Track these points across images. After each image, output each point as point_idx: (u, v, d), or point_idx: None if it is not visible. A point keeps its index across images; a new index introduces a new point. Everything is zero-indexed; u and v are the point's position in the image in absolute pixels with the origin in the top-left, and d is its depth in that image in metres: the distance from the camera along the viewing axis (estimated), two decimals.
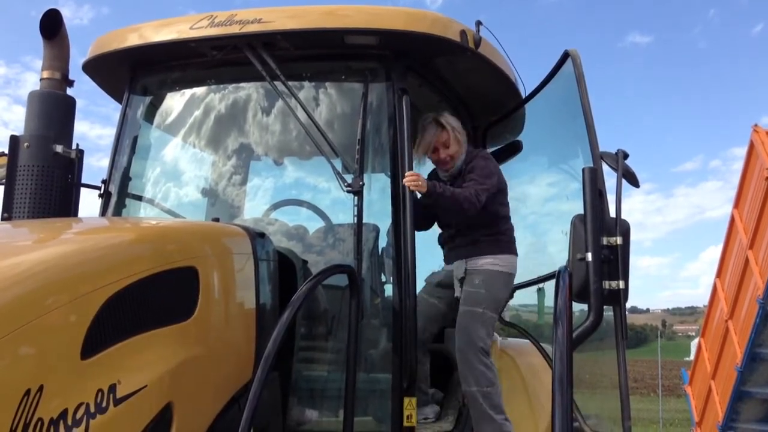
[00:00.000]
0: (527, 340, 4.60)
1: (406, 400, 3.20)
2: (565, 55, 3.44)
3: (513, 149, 4.71)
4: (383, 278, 3.64)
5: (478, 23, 3.64)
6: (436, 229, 4.18)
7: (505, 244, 3.88)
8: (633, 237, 2.93)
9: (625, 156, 3.04)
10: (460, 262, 3.81)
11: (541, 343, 4.40)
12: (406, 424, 3.19)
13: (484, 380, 3.55)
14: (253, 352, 2.77)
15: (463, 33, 3.52)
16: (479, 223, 3.78)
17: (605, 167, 3.05)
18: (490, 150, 4.88)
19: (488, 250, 3.78)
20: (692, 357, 13.69)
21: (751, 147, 9.12)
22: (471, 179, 3.69)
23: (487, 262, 3.75)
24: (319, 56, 3.65)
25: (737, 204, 9.75)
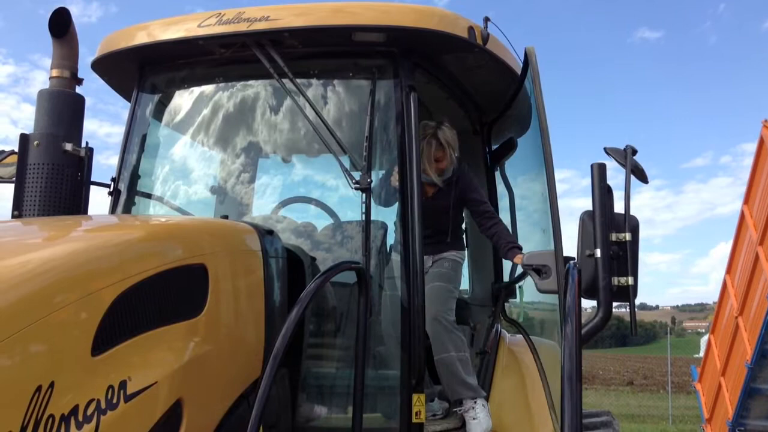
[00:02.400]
0: (537, 338, 4.60)
1: (415, 397, 3.21)
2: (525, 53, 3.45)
3: (508, 147, 4.72)
4: (391, 275, 3.65)
5: (486, 20, 3.63)
6: None
7: (463, 240, 4.37)
8: (642, 234, 2.92)
9: (634, 152, 3.02)
10: (426, 258, 3.93)
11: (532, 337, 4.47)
12: (414, 420, 3.19)
13: (462, 345, 3.79)
14: (262, 349, 2.78)
15: (470, 29, 3.52)
16: (449, 227, 4.14)
17: (614, 163, 3.04)
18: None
19: (453, 246, 4.17)
20: (702, 354, 13.64)
21: (761, 142, 9.07)
22: (473, 200, 4.09)
23: (451, 254, 4.15)
24: (327, 53, 3.64)
25: (747, 200, 9.71)
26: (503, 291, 4.70)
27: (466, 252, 4.37)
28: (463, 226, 4.42)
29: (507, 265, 4.87)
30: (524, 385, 4.15)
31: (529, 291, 4.55)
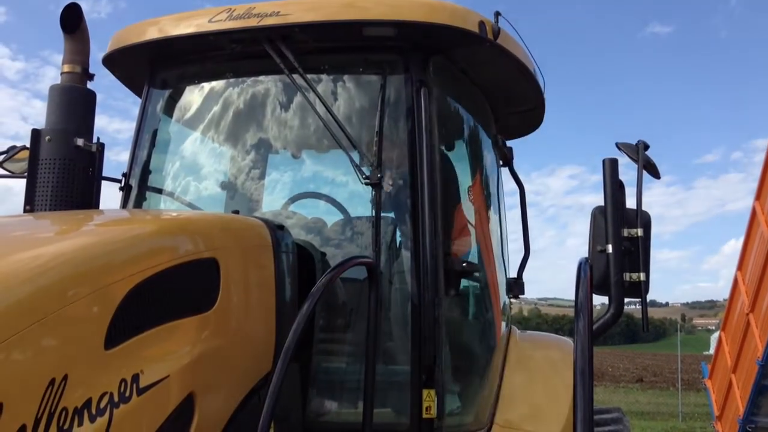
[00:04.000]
0: (547, 333, 4.59)
1: (425, 392, 3.20)
2: None
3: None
4: (401, 270, 3.64)
5: (497, 14, 3.61)
6: None
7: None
8: (652, 230, 2.91)
9: (646, 147, 3.00)
10: None
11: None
12: (425, 416, 3.19)
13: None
14: (273, 344, 2.78)
15: (481, 24, 3.50)
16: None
17: (626, 159, 3.02)
18: None
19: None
20: (712, 351, 13.60)
21: None
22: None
23: None
24: (338, 49, 3.64)
25: (759, 196, 9.65)
26: (513, 287, 4.68)
27: None
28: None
29: (513, 262, 4.86)
30: (533, 380, 4.15)
31: None
